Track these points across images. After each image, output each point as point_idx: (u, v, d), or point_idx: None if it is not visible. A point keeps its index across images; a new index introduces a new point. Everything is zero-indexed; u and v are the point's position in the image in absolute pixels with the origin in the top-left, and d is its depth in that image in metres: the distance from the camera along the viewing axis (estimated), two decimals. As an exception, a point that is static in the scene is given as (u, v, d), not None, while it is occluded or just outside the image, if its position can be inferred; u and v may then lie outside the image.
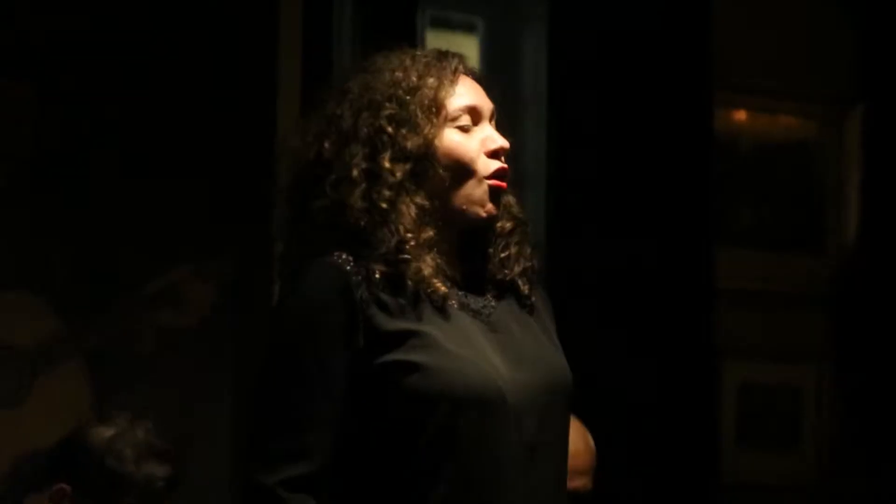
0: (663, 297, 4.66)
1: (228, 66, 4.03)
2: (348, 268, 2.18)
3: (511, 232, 2.32)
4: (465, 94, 2.28)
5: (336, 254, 2.19)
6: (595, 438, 3.72)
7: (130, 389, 3.83)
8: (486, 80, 2.33)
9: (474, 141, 2.27)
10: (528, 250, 2.33)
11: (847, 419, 5.07)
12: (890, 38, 5.07)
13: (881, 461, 5.00)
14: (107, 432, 2.97)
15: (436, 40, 4.46)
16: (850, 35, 5.08)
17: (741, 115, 5.08)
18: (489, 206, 2.26)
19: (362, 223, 2.20)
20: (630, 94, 4.62)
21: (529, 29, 4.64)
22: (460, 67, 2.30)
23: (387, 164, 2.22)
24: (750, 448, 4.98)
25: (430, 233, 2.21)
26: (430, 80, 2.26)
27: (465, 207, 2.26)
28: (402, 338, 2.17)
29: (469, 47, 4.56)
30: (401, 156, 2.23)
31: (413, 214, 2.21)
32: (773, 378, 5.04)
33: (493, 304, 2.28)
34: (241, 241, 3.98)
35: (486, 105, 2.30)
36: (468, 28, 4.63)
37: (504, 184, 2.27)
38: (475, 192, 2.26)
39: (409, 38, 4.16)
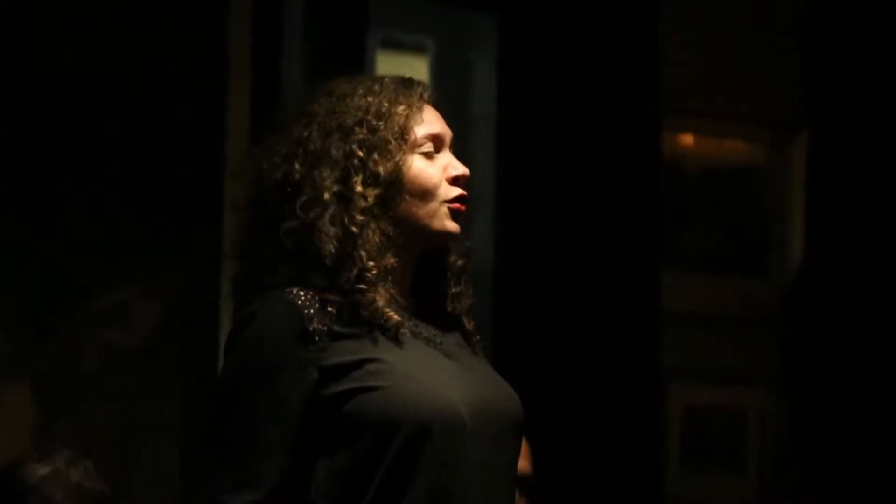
0: (609, 320, 4.67)
1: (178, 85, 4.02)
2: (300, 302, 2.22)
3: (462, 269, 2.39)
4: (430, 121, 2.35)
5: (288, 289, 2.23)
6: (541, 460, 3.72)
7: (75, 409, 3.80)
8: (444, 107, 2.39)
9: (437, 168, 2.33)
10: (471, 290, 2.40)
11: (791, 442, 5.10)
12: (835, 66, 5.12)
13: (825, 484, 5.03)
14: (41, 470, 2.95)
15: (386, 61, 4.46)
16: (797, 62, 5.12)
17: (688, 139, 5.11)
18: (452, 224, 2.32)
19: (329, 248, 2.24)
20: (579, 117, 4.64)
21: (480, 49, 4.65)
22: (425, 95, 2.36)
23: (359, 189, 2.26)
24: (694, 470, 4.99)
25: (391, 260, 2.26)
26: (401, 108, 2.32)
27: (427, 225, 2.31)
28: (359, 365, 2.21)
29: (419, 68, 4.57)
30: (372, 181, 2.28)
31: (378, 240, 2.26)
32: (717, 401, 5.06)
33: (441, 334, 2.33)
34: (189, 260, 3.97)
35: (447, 133, 2.37)
36: (418, 49, 4.64)
37: (464, 207, 2.33)
38: (438, 212, 2.32)
39: (359, 59, 4.19)
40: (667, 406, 4.89)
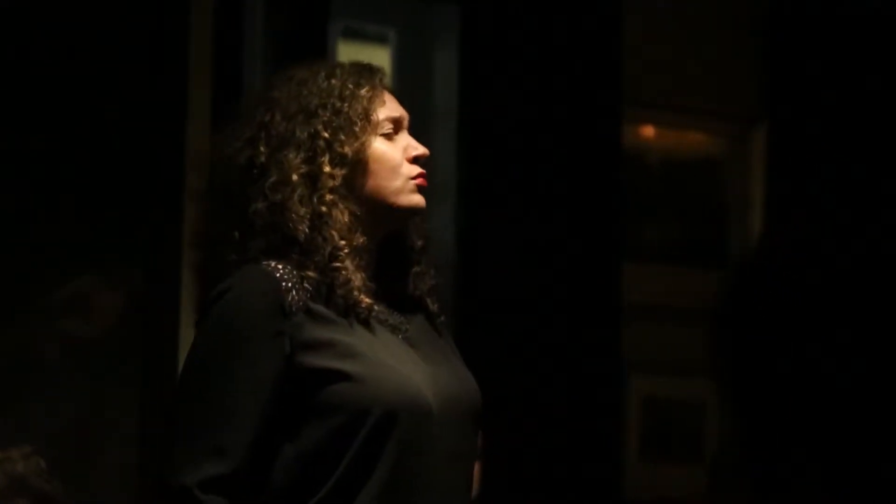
0: (570, 311, 4.68)
1: (140, 76, 4.00)
2: (278, 275, 2.24)
3: (422, 249, 2.41)
4: (389, 103, 2.38)
5: (266, 262, 2.25)
6: (502, 451, 3.73)
7: (34, 398, 3.79)
8: (403, 95, 2.43)
9: (398, 148, 2.37)
10: (433, 270, 2.42)
11: (748, 433, 5.11)
12: (793, 59, 5.14)
13: (781, 475, 5.04)
14: None
15: (347, 51, 4.46)
16: (756, 55, 5.14)
17: (649, 131, 5.13)
18: (418, 197, 2.35)
19: (300, 227, 2.25)
20: (541, 109, 4.65)
21: (441, 41, 4.65)
22: (384, 80, 2.40)
23: (327, 169, 2.29)
24: (654, 461, 5.01)
25: (361, 239, 2.29)
26: (364, 90, 2.35)
27: (393, 202, 2.33)
28: (331, 345, 2.23)
29: (381, 59, 4.56)
30: (339, 161, 2.30)
31: (347, 220, 2.28)
32: (677, 392, 5.07)
33: (406, 320, 2.36)
34: (149, 249, 3.95)
35: (405, 115, 2.41)
36: (380, 39, 4.63)
37: (426, 182, 2.37)
38: (403, 188, 2.35)
39: (321, 49, 4.19)
40: (626, 397, 4.91)
